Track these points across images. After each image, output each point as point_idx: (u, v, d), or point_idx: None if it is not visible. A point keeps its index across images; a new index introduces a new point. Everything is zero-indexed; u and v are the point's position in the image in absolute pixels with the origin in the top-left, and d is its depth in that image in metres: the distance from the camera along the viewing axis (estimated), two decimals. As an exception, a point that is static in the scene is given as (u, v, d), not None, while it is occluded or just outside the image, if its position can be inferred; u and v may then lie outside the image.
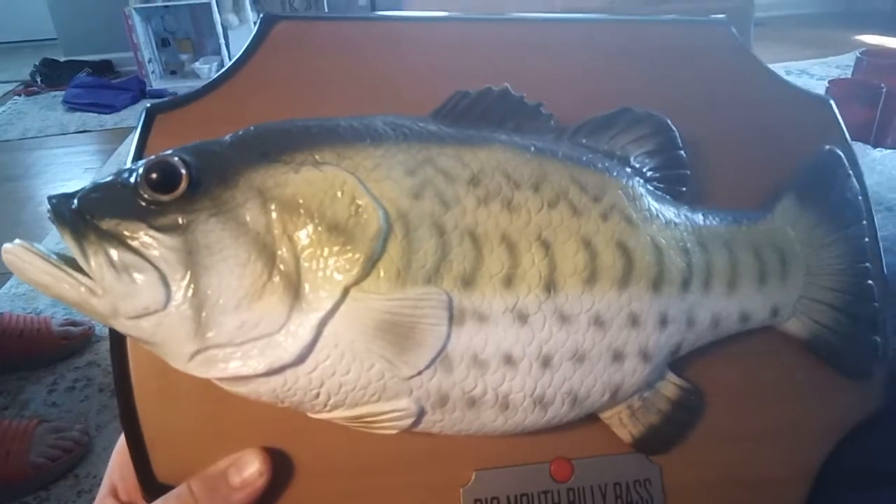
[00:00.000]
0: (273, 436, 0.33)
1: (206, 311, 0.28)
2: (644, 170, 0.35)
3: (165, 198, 0.28)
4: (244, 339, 0.28)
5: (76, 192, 0.29)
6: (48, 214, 0.29)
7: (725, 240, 0.35)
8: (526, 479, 0.34)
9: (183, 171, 0.28)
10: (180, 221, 0.28)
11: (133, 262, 0.28)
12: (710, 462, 0.36)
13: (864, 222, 0.37)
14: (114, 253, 0.28)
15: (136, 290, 0.28)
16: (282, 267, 0.28)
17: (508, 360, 0.30)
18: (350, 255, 0.28)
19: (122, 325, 0.29)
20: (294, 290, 0.28)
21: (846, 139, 0.40)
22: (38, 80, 2.98)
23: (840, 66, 2.77)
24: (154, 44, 2.95)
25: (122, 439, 0.34)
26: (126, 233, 0.28)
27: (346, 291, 0.28)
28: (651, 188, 0.35)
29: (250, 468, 0.32)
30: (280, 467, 0.33)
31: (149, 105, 0.36)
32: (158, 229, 0.28)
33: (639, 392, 0.33)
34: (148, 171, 0.28)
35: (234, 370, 0.29)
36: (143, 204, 0.28)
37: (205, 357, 0.28)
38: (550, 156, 0.33)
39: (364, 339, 0.29)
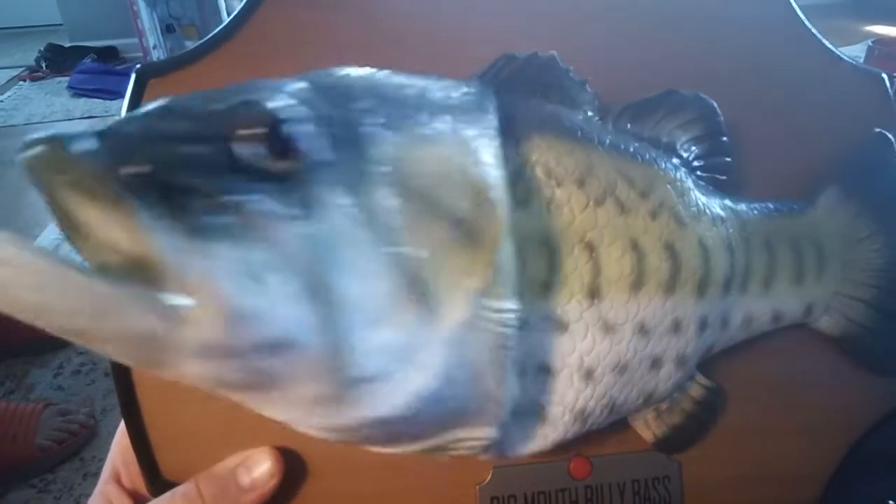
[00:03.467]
0: (284, 432, 0.32)
1: (342, 334, 0.21)
2: (689, 158, 0.32)
3: (281, 165, 0.20)
4: (387, 366, 0.22)
5: (113, 134, 0.19)
6: (60, 178, 0.18)
7: (766, 235, 0.33)
8: (543, 477, 0.34)
9: (306, 129, 0.21)
10: (301, 200, 0.20)
11: (262, 260, 0.19)
12: (730, 458, 0.35)
13: None
14: (225, 248, 0.19)
15: (263, 307, 0.19)
16: (414, 271, 0.22)
17: (547, 372, 0.28)
18: (474, 257, 0.23)
19: (215, 369, 0.20)
20: (426, 301, 0.22)
21: None
22: (44, 65, 2.95)
23: (850, 56, 2.74)
24: (159, 30, 2.93)
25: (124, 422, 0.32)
26: (233, 215, 0.19)
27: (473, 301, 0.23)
28: (695, 179, 0.32)
29: (261, 468, 0.31)
30: (292, 466, 0.32)
31: (139, 66, 0.31)
32: (275, 215, 0.20)
33: (669, 396, 0.32)
34: (255, 125, 0.20)
35: (378, 409, 0.22)
36: (246, 172, 0.20)
37: (341, 397, 0.22)
38: (598, 144, 0.29)
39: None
